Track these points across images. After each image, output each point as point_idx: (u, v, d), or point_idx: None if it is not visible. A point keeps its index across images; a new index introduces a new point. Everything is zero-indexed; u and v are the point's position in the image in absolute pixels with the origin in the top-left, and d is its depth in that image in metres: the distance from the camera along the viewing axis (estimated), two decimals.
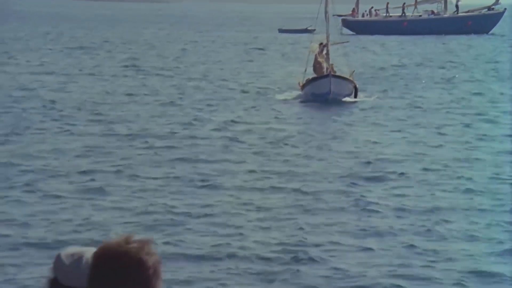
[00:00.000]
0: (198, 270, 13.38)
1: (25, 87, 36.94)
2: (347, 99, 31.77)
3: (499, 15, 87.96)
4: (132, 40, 76.44)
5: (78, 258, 3.48)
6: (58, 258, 3.52)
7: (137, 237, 3.13)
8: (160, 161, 21.91)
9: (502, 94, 37.49)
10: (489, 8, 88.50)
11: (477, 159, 22.53)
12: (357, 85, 32.50)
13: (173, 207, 17.14)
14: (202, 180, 19.55)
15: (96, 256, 3.15)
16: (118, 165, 21.02)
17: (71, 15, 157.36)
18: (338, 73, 32.10)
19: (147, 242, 3.12)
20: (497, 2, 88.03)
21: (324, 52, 32.49)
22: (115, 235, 3.25)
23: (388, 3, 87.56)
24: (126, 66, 48.74)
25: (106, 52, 61.19)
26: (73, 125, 26.98)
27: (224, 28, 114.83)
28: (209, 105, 32.72)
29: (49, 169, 20.36)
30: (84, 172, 20.09)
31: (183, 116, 29.59)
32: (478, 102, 35.13)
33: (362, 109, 31.24)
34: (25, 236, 15.05)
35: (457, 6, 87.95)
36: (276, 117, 29.53)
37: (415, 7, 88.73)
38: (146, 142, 24.38)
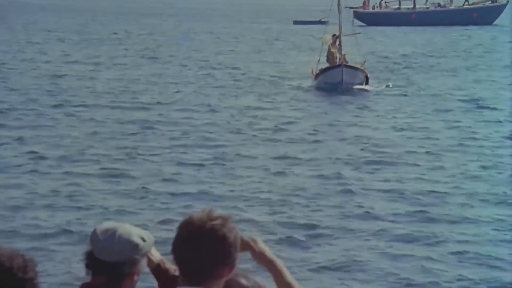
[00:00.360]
0: None
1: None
2: (358, 87, 31.42)
3: (502, 7, 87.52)
4: (154, 32, 76.22)
5: (111, 234, 3.48)
6: (93, 233, 3.53)
7: (217, 212, 3.24)
8: (177, 144, 21.75)
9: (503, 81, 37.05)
10: (492, 0, 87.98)
11: (478, 144, 22.20)
12: (368, 75, 32.21)
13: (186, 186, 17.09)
14: (216, 163, 19.50)
15: (181, 230, 3.23)
16: (136, 148, 20.97)
17: (102, 7, 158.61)
18: (350, 63, 31.78)
19: (228, 218, 3.25)
20: None
21: (337, 43, 32.16)
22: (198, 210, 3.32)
23: None
24: (145, 56, 48.67)
25: (131, 43, 61.19)
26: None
27: (240, 19, 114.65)
28: (225, 92, 32.54)
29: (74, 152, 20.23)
30: (104, 156, 20.00)
31: (199, 102, 29.30)
32: (481, 89, 34.59)
33: (373, 96, 30.99)
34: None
35: None
36: (289, 104, 29.24)
37: (426, 0, 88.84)
38: (166, 125, 24.34)
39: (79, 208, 15.52)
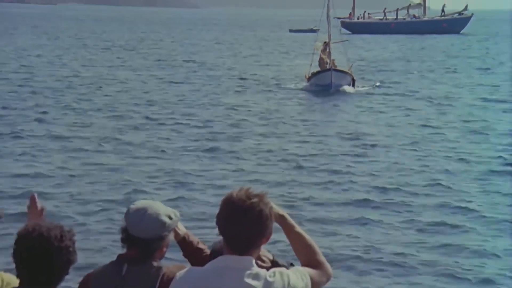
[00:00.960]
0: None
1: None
2: (346, 88, 31.13)
3: (468, 19, 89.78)
4: (161, 39, 76.19)
5: (141, 214, 3.52)
6: (127, 212, 3.59)
7: (254, 190, 3.28)
8: (181, 136, 21.53)
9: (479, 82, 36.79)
10: (459, 13, 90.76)
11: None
12: (354, 77, 31.98)
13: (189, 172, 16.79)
14: (212, 150, 19.26)
15: (224, 207, 3.27)
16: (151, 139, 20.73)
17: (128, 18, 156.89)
18: (339, 67, 31.52)
19: (264, 195, 3.28)
20: (465, 9, 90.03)
21: (327, 49, 31.83)
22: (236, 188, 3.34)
23: (385, 8, 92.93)
24: (159, 60, 48.22)
25: (148, 49, 61.15)
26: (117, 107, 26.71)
27: (243, 29, 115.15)
28: (225, 91, 32.45)
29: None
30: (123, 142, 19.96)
31: (204, 100, 29.21)
32: (450, 86, 34.84)
33: (357, 96, 30.67)
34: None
35: (443, 10, 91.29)
36: (284, 102, 28.92)
37: (407, 11, 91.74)
38: (174, 119, 24.19)
39: (115, 187, 15.21)
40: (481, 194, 15.47)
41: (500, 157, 18.87)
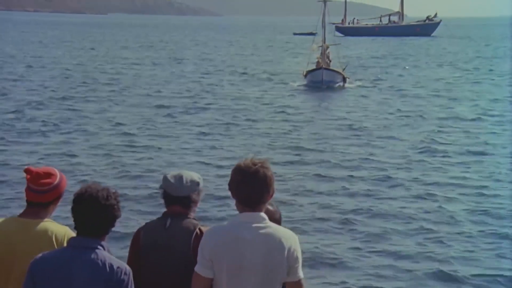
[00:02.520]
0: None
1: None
2: (337, 85, 29.50)
3: (437, 24, 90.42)
4: (179, 41, 75.37)
5: (179, 178, 3.69)
6: (165, 178, 3.73)
7: (257, 158, 3.30)
8: (183, 126, 19.66)
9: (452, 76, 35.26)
10: (430, 19, 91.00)
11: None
12: (345, 76, 30.11)
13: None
14: (213, 138, 17.74)
15: (235, 174, 3.29)
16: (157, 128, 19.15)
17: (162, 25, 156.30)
18: (332, 67, 30.01)
19: (265, 161, 3.32)
20: (435, 16, 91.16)
21: (321, 51, 30.15)
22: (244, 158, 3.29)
23: (381, 15, 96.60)
24: (175, 59, 46.67)
25: (164, 49, 59.58)
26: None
27: (255, 32, 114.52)
28: (233, 85, 30.89)
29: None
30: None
31: (211, 94, 27.36)
32: (425, 80, 33.55)
33: (347, 90, 29.02)
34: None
35: (430, 17, 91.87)
36: (283, 95, 27.41)
37: (389, 18, 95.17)
38: (180, 112, 22.29)
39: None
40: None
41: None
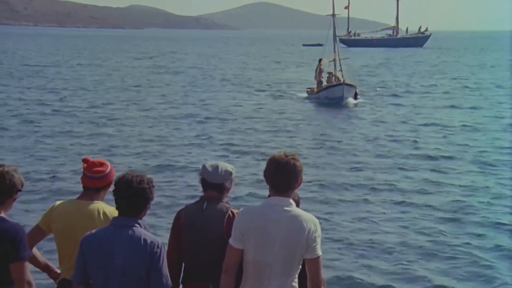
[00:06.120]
0: None
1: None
2: (350, 100, 24.46)
3: (428, 37, 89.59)
4: (192, 52, 73.36)
5: (216, 167, 3.66)
6: (203, 167, 3.67)
7: (288, 152, 3.25)
8: (194, 132, 17.71)
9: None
10: (422, 33, 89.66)
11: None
12: (357, 90, 25.20)
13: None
14: (225, 144, 15.67)
15: (269, 164, 3.27)
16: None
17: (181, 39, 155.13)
18: (347, 81, 24.79)
19: (295, 154, 3.31)
20: (426, 30, 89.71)
21: (331, 66, 25.95)
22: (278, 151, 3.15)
23: (383, 28, 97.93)
24: (184, 66, 44.21)
25: (179, 59, 56.69)
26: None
27: (267, 44, 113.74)
28: (241, 94, 27.47)
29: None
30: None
31: (220, 104, 24.07)
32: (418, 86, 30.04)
33: (360, 107, 24.08)
34: None
35: (421, 31, 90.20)
36: (294, 109, 23.35)
37: (388, 30, 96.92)
38: (192, 119, 19.81)
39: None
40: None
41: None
